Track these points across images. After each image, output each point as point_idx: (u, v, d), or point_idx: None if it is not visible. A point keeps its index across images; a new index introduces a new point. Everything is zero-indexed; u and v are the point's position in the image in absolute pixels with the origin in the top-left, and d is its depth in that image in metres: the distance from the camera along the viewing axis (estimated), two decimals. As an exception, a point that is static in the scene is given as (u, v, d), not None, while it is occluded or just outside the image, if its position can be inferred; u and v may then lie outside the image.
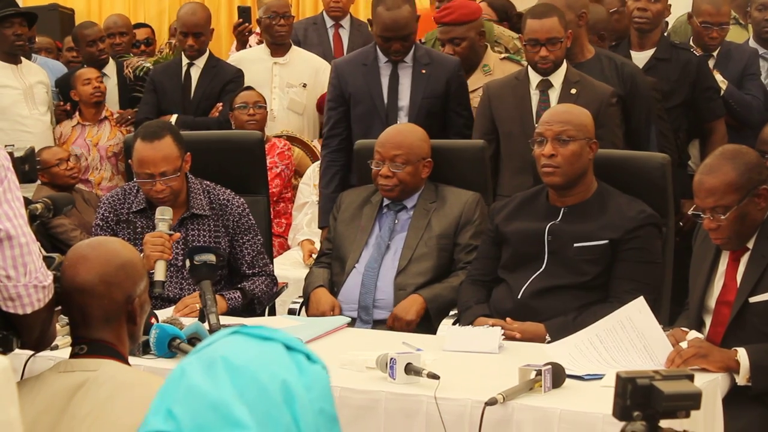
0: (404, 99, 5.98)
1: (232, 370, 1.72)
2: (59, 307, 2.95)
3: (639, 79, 5.93)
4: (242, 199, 5.01)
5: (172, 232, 4.62)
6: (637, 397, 2.15)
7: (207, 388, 1.71)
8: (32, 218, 3.35)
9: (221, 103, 7.33)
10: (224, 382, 1.71)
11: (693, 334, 3.94)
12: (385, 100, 5.96)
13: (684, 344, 3.80)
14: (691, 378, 2.21)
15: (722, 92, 6.50)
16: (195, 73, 7.51)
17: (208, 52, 7.59)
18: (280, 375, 1.73)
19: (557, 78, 5.61)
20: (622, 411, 2.17)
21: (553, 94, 5.60)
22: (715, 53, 6.74)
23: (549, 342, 4.18)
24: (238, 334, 1.79)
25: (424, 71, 5.96)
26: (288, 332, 4.07)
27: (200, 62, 7.51)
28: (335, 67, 6.22)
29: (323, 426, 1.76)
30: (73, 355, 2.91)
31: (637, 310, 3.87)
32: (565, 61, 5.67)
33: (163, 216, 4.61)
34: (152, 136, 4.79)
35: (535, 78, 5.65)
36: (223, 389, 1.70)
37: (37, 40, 8.75)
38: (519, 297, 4.49)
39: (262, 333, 1.79)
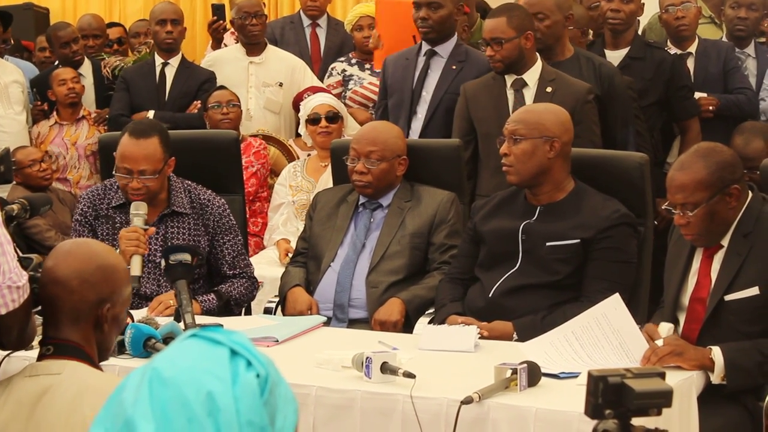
0: (428, 91, 6.07)
1: (157, 383, 1.73)
2: (39, 308, 2.94)
3: (617, 80, 5.95)
4: (223, 200, 5.02)
5: (147, 227, 4.64)
6: (608, 396, 2.16)
7: (127, 405, 1.74)
8: (9, 219, 3.34)
9: (199, 101, 7.34)
10: (143, 397, 1.72)
11: (663, 326, 3.94)
12: (412, 91, 6.13)
13: (660, 342, 3.82)
14: (662, 376, 2.22)
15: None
16: (170, 72, 7.54)
17: (180, 54, 7.62)
18: (206, 387, 1.72)
19: (532, 76, 5.65)
20: (593, 409, 2.18)
21: (528, 93, 5.63)
22: (693, 49, 6.77)
23: (516, 341, 4.20)
24: (194, 338, 1.80)
25: (454, 67, 6.06)
26: (261, 332, 4.09)
27: (174, 62, 7.55)
28: (384, 61, 6.45)
29: None
30: (40, 357, 2.89)
31: (613, 308, 3.87)
32: (540, 59, 5.70)
33: (138, 211, 4.64)
34: (140, 134, 4.79)
35: (509, 77, 5.68)
36: (138, 405, 1.72)
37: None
38: (490, 295, 4.50)
39: (214, 336, 1.79)
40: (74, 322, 2.87)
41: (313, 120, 6.52)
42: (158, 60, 7.59)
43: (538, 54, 5.73)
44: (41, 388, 2.78)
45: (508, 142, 4.54)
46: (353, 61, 7.71)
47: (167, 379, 1.72)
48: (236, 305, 4.99)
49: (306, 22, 8.18)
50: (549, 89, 5.57)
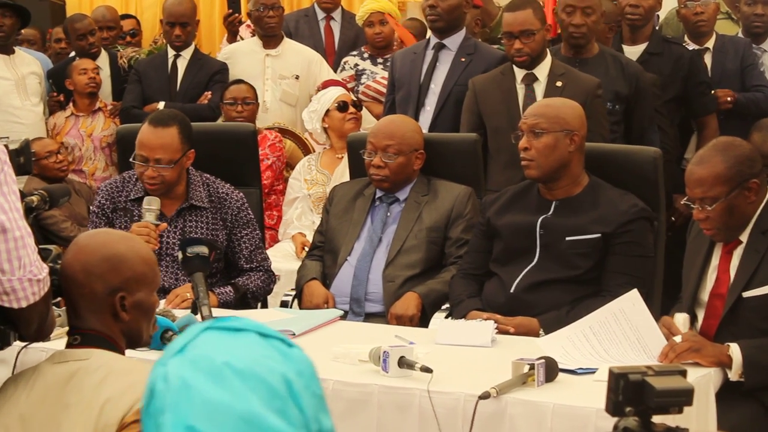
0: (437, 84, 6.08)
1: (239, 375, 1.71)
2: (59, 299, 2.96)
3: (642, 79, 5.96)
4: (241, 194, 5.02)
5: (158, 222, 4.65)
6: (629, 393, 2.15)
7: (229, 401, 1.70)
8: (28, 211, 3.35)
9: (210, 92, 7.35)
10: (242, 390, 1.70)
11: (678, 317, 3.93)
12: (420, 84, 6.16)
13: (678, 338, 3.81)
14: (683, 374, 2.21)
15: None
16: (182, 64, 7.56)
17: (193, 45, 7.65)
18: (277, 369, 1.73)
19: (542, 71, 5.66)
20: (614, 406, 2.18)
21: (539, 88, 5.65)
22: (710, 45, 6.76)
23: (543, 336, 4.19)
24: (212, 330, 1.80)
25: (463, 59, 6.09)
26: (277, 325, 4.11)
27: (186, 54, 7.58)
28: (392, 56, 6.56)
29: (317, 408, 1.77)
30: (67, 346, 2.93)
31: (631, 303, 3.86)
32: (549, 53, 5.70)
33: (150, 206, 4.66)
34: (159, 122, 4.81)
35: (519, 72, 5.69)
36: (246, 399, 1.70)
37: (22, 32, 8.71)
38: (512, 291, 4.49)
39: (233, 325, 1.79)
40: (93, 313, 2.90)
41: (341, 107, 6.51)
42: (170, 52, 7.61)
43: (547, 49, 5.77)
44: (69, 373, 2.82)
45: (528, 136, 4.52)
46: (365, 55, 7.72)
47: (243, 370, 1.72)
48: (253, 298, 4.99)
49: (320, 15, 8.20)
50: (559, 84, 5.58)
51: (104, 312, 2.90)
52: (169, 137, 4.78)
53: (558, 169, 4.51)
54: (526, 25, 5.59)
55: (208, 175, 5.01)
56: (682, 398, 2.17)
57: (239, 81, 7.15)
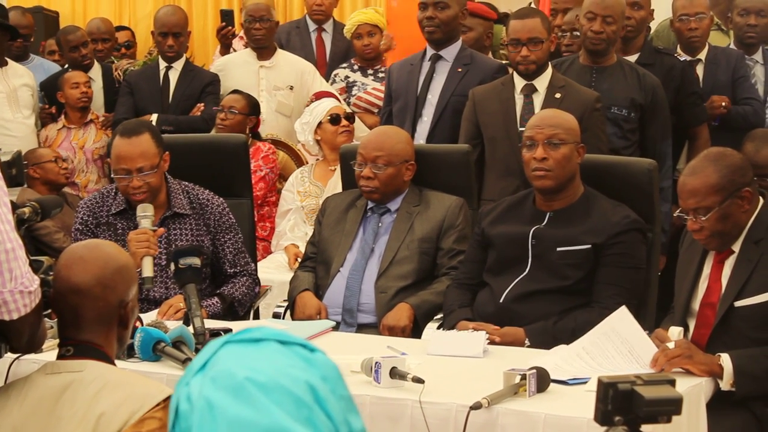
0: (434, 95, 6.09)
1: (262, 389, 1.69)
2: (49, 311, 2.96)
3: (659, 91, 5.96)
4: (221, 199, 5.03)
5: (155, 228, 4.66)
6: (617, 402, 2.16)
7: (253, 417, 1.68)
8: (20, 222, 3.35)
9: (203, 104, 7.35)
10: (266, 405, 1.68)
11: (673, 330, 3.94)
12: (417, 95, 6.16)
13: (670, 345, 3.81)
14: (672, 383, 2.22)
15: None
16: (173, 76, 7.56)
17: (184, 57, 7.64)
18: (301, 377, 1.72)
19: (542, 82, 5.66)
20: (603, 416, 2.18)
21: (537, 99, 5.64)
22: (702, 56, 6.76)
23: (528, 346, 4.20)
24: (231, 344, 1.78)
25: (460, 70, 6.11)
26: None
27: (178, 65, 7.58)
28: (389, 68, 6.60)
29: (346, 410, 1.77)
30: (59, 357, 2.92)
31: (620, 320, 3.88)
32: (550, 65, 5.71)
33: (145, 213, 4.67)
34: (130, 133, 4.83)
35: (519, 83, 5.69)
36: (271, 413, 1.68)
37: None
38: (501, 301, 4.50)
39: (252, 336, 1.78)
40: (98, 325, 2.91)
41: (333, 119, 6.51)
42: (162, 63, 7.61)
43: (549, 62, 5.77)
44: (63, 385, 2.82)
45: (545, 147, 4.50)
46: (355, 67, 7.73)
47: (266, 383, 1.71)
48: (240, 306, 4.99)
49: (312, 26, 8.21)
50: (558, 95, 5.58)
51: (111, 322, 2.93)
52: (145, 144, 4.81)
53: (568, 180, 4.53)
54: (534, 32, 5.60)
55: (186, 183, 5.02)
56: (671, 407, 2.18)
57: (235, 92, 7.13)
